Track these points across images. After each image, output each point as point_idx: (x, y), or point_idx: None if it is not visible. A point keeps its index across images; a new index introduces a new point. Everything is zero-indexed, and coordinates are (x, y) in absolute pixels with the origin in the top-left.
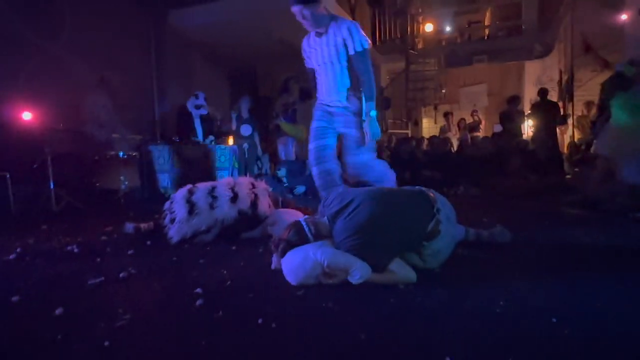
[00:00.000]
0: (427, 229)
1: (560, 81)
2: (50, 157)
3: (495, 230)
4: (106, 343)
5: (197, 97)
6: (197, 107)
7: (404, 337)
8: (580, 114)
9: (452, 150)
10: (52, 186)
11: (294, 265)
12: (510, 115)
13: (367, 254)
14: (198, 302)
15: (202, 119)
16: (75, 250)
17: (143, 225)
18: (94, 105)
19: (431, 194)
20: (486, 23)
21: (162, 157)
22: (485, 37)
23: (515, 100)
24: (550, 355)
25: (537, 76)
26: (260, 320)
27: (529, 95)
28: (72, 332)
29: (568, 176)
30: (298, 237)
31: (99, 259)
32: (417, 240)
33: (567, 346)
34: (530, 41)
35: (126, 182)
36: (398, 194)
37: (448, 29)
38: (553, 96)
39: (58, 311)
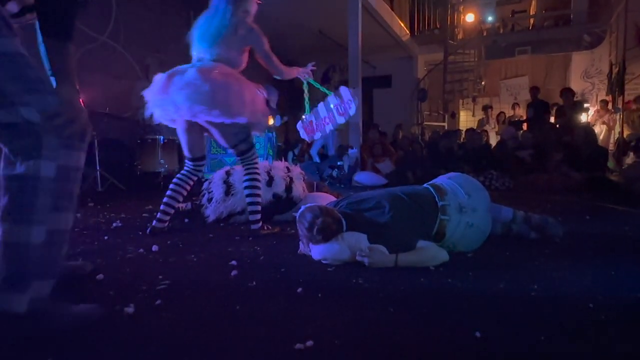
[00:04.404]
0: (432, 233)
1: (610, 74)
2: (97, 141)
3: (550, 219)
4: (158, 302)
5: None
6: None
7: (433, 313)
8: (633, 108)
9: (489, 144)
10: (97, 168)
11: (332, 250)
12: (561, 109)
13: (393, 241)
14: (233, 273)
15: None
16: (119, 225)
17: (181, 205)
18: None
19: (441, 189)
20: (531, 12)
21: None
22: (530, 28)
23: (566, 93)
24: (587, 338)
25: (584, 68)
26: (291, 290)
27: (576, 88)
28: (116, 294)
29: (614, 173)
30: (336, 227)
31: (140, 233)
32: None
33: (604, 331)
34: (578, 31)
35: (166, 166)
36: (407, 198)
37: (490, 18)
38: (601, 89)
39: (99, 277)
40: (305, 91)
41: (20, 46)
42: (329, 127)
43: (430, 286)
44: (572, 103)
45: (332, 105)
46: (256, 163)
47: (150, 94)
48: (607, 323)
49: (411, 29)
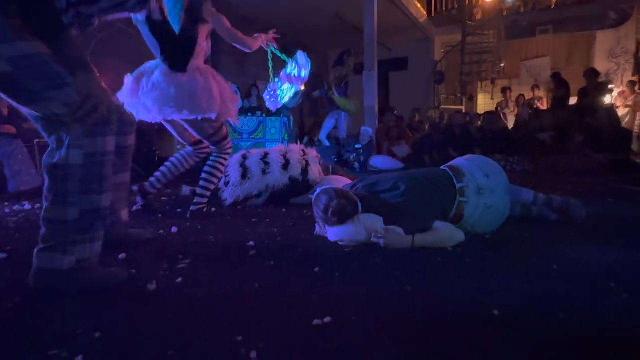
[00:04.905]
0: (450, 215)
1: (637, 53)
2: None
3: (572, 201)
4: (178, 279)
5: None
6: None
7: (451, 291)
8: None
9: (508, 127)
10: None
11: (348, 232)
12: (586, 90)
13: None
14: (251, 253)
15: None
16: (139, 208)
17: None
18: None
19: (459, 171)
20: None
21: None
22: (552, 6)
23: (590, 73)
24: (610, 317)
25: (609, 47)
26: (309, 269)
27: (600, 69)
28: (139, 271)
29: (639, 155)
30: (352, 209)
31: (160, 216)
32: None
33: (626, 310)
34: (603, 9)
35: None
36: (424, 180)
37: None
38: (627, 70)
39: (121, 256)
40: (270, 60)
41: (37, 46)
42: (289, 94)
43: (447, 266)
44: (596, 84)
45: (289, 72)
46: (227, 154)
47: (122, 97)
48: (629, 303)
49: (428, 10)
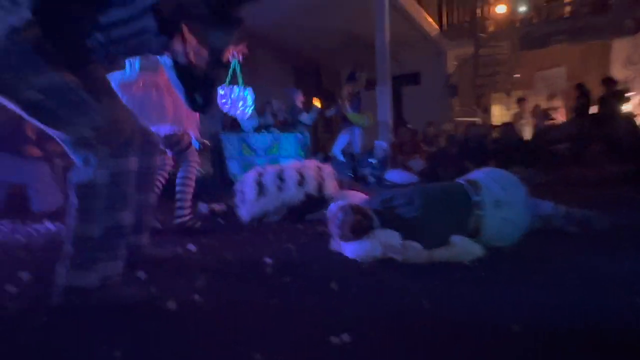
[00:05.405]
0: (467, 229)
1: None
2: None
3: (593, 213)
4: (196, 297)
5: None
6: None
7: (467, 305)
8: None
9: (523, 138)
10: None
11: (364, 247)
12: (604, 99)
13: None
14: (268, 269)
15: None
16: (158, 225)
17: (216, 206)
18: None
19: (476, 184)
20: (567, 0)
21: (231, 145)
22: (566, 16)
23: (607, 82)
24: (627, 329)
25: (626, 56)
26: (325, 285)
27: (618, 77)
28: (158, 289)
29: None
30: (367, 224)
31: (177, 234)
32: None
33: None
34: (619, 17)
35: (199, 169)
36: (440, 193)
37: (523, 8)
38: None
39: (140, 274)
40: (231, 68)
41: (66, 75)
42: (232, 111)
43: (465, 280)
44: (614, 92)
45: (235, 95)
46: (193, 162)
47: None
48: None
49: (440, 23)
